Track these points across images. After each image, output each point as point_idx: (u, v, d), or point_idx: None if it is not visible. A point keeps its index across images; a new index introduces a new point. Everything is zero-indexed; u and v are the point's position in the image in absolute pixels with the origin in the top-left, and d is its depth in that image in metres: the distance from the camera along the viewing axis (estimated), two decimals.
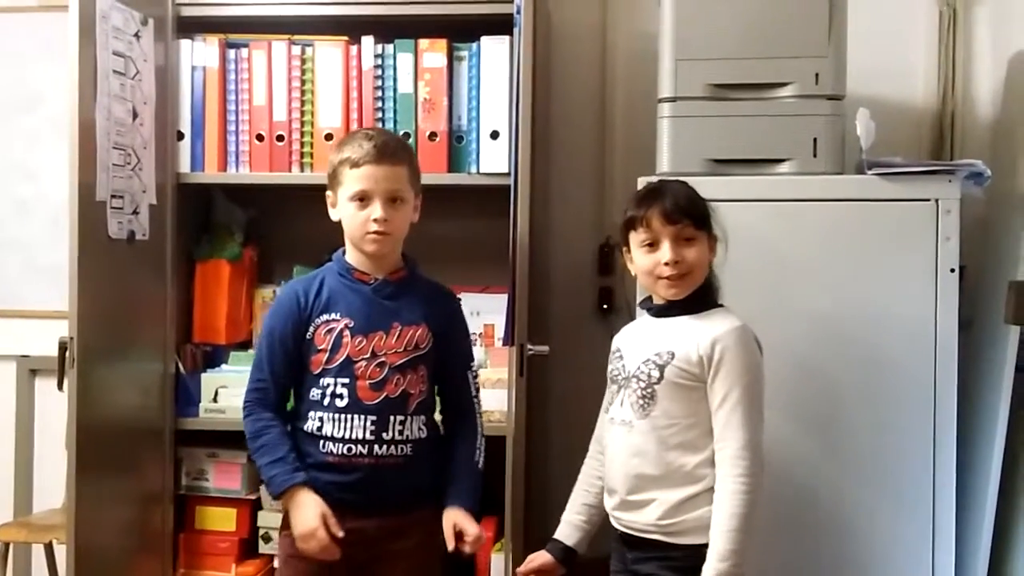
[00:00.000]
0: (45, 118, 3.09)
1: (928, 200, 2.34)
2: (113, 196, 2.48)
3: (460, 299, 2.35)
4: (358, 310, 2.12)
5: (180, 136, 2.74)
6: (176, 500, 2.75)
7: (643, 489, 2.00)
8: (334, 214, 2.17)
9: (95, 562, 2.43)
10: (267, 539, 2.73)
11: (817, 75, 2.41)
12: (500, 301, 2.65)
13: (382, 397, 2.10)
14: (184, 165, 2.74)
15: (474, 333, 2.89)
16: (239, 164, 2.74)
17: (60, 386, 2.40)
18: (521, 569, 2.22)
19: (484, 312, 2.90)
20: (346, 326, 2.11)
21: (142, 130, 2.60)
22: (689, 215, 2.03)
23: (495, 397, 2.63)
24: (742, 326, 2.01)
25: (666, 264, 2.02)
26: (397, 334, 2.13)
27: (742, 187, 2.41)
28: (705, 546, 1.93)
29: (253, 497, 2.75)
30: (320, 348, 2.10)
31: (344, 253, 2.19)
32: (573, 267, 3.05)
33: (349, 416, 2.09)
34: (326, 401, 2.10)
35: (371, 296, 2.14)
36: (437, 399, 2.25)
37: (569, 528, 2.21)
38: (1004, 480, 2.44)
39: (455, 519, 2.11)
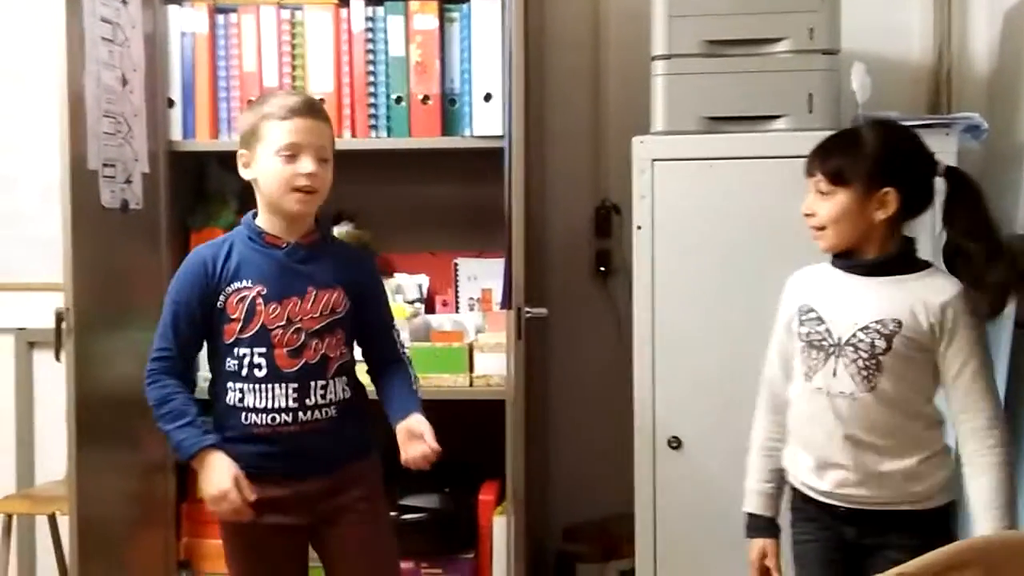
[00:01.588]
0: (30, 89, 3.06)
1: None
2: (105, 165, 2.46)
3: (375, 257, 2.31)
4: (270, 276, 2.04)
5: (171, 103, 2.72)
6: (178, 469, 2.75)
7: (879, 462, 1.88)
8: (247, 173, 2.07)
9: (98, 533, 2.44)
10: None
11: (811, 30, 2.39)
12: (497, 265, 2.65)
13: (301, 363, 2.04)
14: (176, 133, 2.72)
15: (472, 298, 2.90)
16: (231, 131, 2.72)
17: (57, 357, 2.39)
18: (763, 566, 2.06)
19: (481, 277, 2.90)
20: (259, 293, 2.03)
21: (132, 97, 2.58)
22: (822, 169, 1.89)
23: (494, 361, 2.63)
24: (965, 288, 1.86)
25: (804, 215, 1.94)
26: (312, 298, 2.06)
27: (737, 144, 2.39)
28: (946, 506, 1.88)
29: None
30: (233, 317, 2.03)
31: (254, 217, 2.10)
32: (570, 229, 3.04)
33: (269, 385, 2.03)
34: (244, 372, 2.03)
35: (284, 261, 2.06)
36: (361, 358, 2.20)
37: (764, 499, 2.07)
38: None
39: (408, 425, 2.03)
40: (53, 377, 2.53)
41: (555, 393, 3.06)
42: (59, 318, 2.36)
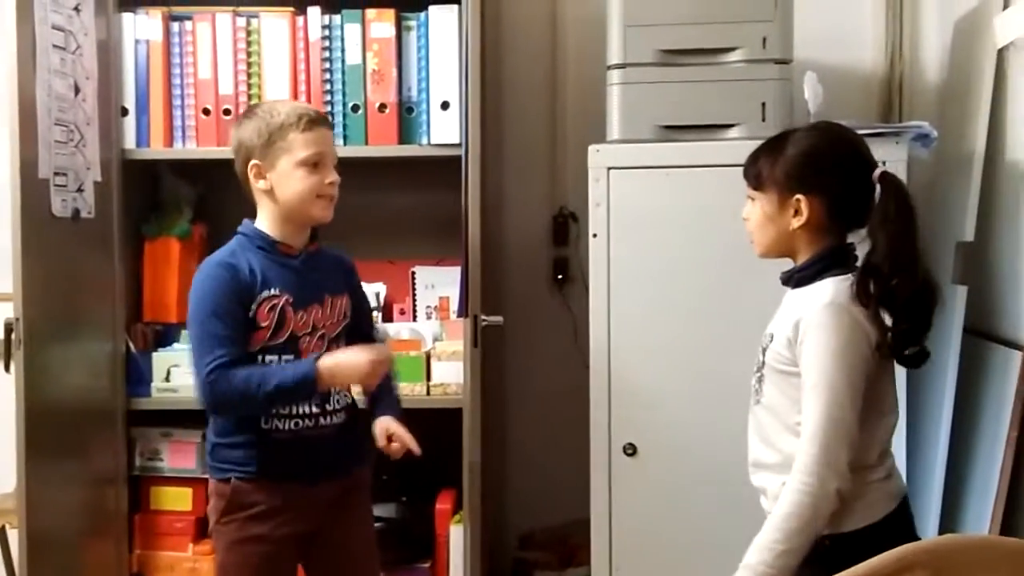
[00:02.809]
0: None
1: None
2: (56, 173, 2.43)
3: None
4: (293, 284, 2.07)
5: (124, 112, 2.69)
6: (130, 481, 2.72)
7: (765, 477, 1.84)
8: (262, 184, 2.08)
9: (49, 545, 2.40)
10: None
11: (765, 39, 2.42)
12: (455, 274, 2.65)
13: None
14: (129, 141, 2.69)
15: (429, 306, 2.90)
16: (185, 139, 2.70)
17: (7, 368, 2.36)
18: None
19: (439, 285, 2.89)
20: (287, 302, 2.06)
21: (84, 106, 2.55)
22: (746, 174, 1.86)
23: (451, 369, 2.63)
24: (829, 303, 1.72)
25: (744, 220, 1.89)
26: (330, 305, 2.12)
27: (692, 153, 2.41)
28: (826, 537, 1.72)
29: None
30: (263, 325, 2.05)
31: (256, 226, 2.12)
32: (528, 237, 3.05)
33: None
34: None
35: (301, 269, 2.10)
36: None
37: None
38: (954, 439, 2.48)
39: (387, 425, 2.13)
40: (2, 388, 2.50)
41: (512, 401, 3.06)
42: (8, 328, 2.33)
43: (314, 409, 2.08)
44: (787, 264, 1.87)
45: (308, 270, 2.11)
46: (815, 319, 1.72)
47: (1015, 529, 2.28)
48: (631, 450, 2.45)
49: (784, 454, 1.77)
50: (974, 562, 1.53)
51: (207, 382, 1.99)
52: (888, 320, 1.76)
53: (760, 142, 2.09)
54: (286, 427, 2.07)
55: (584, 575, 2.59)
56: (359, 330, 2.22)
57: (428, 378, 2.65)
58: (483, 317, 2.50)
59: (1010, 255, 2.39)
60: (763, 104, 2.42)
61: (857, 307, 1.74)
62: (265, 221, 2.11)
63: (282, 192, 2.07)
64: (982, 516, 2.34)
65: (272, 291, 2.06)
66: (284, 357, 2.06)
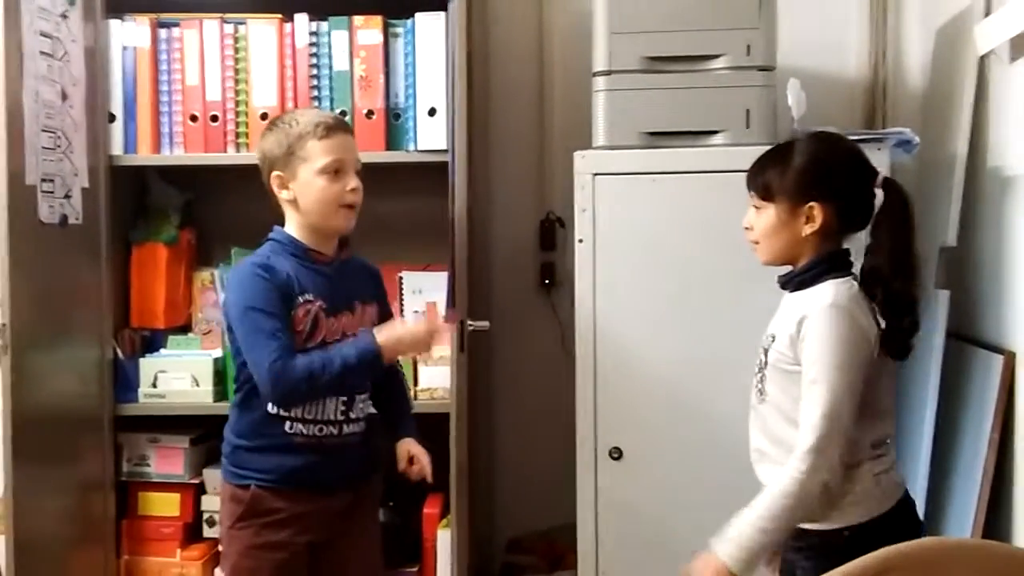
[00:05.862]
0: None
1: None
2: (43, 180, 2.43)
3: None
4: (325, 291, 2.10)
5: (112, 118, 2.69)
6: (118, 487, 2.72)
7: (764, 467, 1.91)
8: (285, 194, 2.11)
9: (37, 552, 2.40)
10: (211, 523, 2.71)
11: (748, 46, 2.44)
12: (442, 279, 2.66)
13: None
14: (117, 147, 2.70)
15: (417, 311, 2.90)
16: (173, 145, 2.70)
17: None
18: None
19: (426, 290, 2.89)
20: (320, 307, 2.09)
21: (72, 112, 2.55)
22: (753, 184, 1.92)
23: (438, 374, 2.64)
24: (831, 305, 1.81)
25: (744, 229, 1.96)
26: (360, 313, 2.15)
27: (676, 159, 2.43)
28: (840, 530, 1.83)
29: (196, 481, 2.73)
30: (298, 329, 2.06)
31: (287, 232, 2.14)
32: (515, 242, 3.06)
33: (323, 398, 2.09)
34: None
35: (333, 276, 2.13)
36: None
37: None
38: (937, 442, 2.50)
39: (409, 447, 2.20)
40: None
41: (500, 405, 3.07)
42: None
43: (338, 416, 2.10)
44: (776, 270, 1.94)
45: (340, 278, 2.14)
46: (818, 319, 1.81)
47: (997, 531, 2.30)
48: (617, 454, 2.46)
49: (788, 447, 1.83)
50: (952, 565, 1.55)
51: (271, 374, 1.99)
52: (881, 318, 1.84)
53: (744, 148, 2.13)
54: (309, 432, 2.08)
55: None
56: None
57: (416, 383, 2.66)
58: (470, 322, 2.51)
59: (992, 260, 2.41)
60: (747, 111, 2.44)
61: (858, 309, 1.82)
62: (294, 229, 2.14)
63: (305, 202, 2.10)
64: (965, 518, 2.36)
65: (307, 296, 2.08)
66: None
